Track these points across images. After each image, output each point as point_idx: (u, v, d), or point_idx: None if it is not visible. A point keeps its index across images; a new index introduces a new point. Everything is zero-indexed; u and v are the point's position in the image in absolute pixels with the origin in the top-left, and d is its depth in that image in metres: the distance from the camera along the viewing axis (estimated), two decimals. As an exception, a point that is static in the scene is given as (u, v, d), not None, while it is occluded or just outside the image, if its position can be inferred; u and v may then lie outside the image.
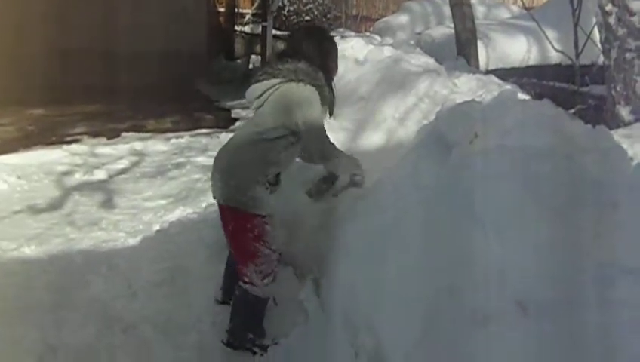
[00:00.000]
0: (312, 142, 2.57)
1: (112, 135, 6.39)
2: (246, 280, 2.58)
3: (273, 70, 2.60)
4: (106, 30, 9.11)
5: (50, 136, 6.25)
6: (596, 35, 4.15)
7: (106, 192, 4.61)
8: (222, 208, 2.67)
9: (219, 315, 2.80)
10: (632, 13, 3.51)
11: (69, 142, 5.97)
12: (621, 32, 3.57)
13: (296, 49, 2.65)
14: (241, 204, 2.53)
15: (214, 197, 2.71)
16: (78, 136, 6.30)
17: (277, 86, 2.57)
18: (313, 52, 2.64)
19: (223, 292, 2.89)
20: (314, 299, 2.46)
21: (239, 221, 2.57)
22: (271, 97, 2.60)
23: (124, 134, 6.48)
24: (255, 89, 2.66)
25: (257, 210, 2.52)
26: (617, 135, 2.89)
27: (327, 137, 2.62)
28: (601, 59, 4.15)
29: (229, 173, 2.58)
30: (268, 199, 2.54)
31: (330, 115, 2.73)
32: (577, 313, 1.54)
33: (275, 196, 2.60)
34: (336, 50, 2.76)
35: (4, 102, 7.32)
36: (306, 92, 2.54)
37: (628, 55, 3.57)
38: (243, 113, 8.25)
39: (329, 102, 2.66)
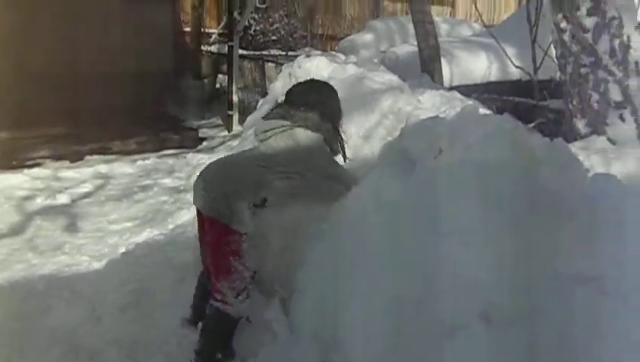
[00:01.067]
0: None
1: (76, 158, 6.29)
2: (218, 297, 2.56)
3: (285, 113, 2.81)
4: (71, 52, 8.98)
5: (11, 160, 6.12)
6: (553, 51, 4.26)
7: (69, 216, 4.53)
8: (202, 217, 2.70)
9: (185, 337, 2.75)
10: (585, 30, 3.61)
11: (31, 166, 5.86)
12: (575, 48, 3.66)
13: (307, 100, 2.87)
14: (223, 217, 2.55)
15: (195, 205, 2.74)
16: (40, 160, 6.20)
17: (286, 128, 2.76)
18: (322, 105, 2.86)
19: (193, 311, 2.86)
20: (281, 319, 2.44)
21: (217, 234, 2.59)
22: (279, 136, 2.76)
23: (87, 157, 6.39)
24: (266, 124, 2.84)
25: (238, 226, 2.54)
26: (574, 147, 2.95)
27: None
28: (557, 75, 4.25)
29: (218, 184, 2.63)
30: (250, 218, 2.57)
31: (344, 159, 2.98)
32: (537, 321, 1.56)
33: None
34: (339, 102, 2.99)
35: (-37, 126, 7.16)
36: (315, 139, 2.77)
37: (582, 70, 3.66)
38: (210, 133, 8.23)
39: (341, 148, 2.91)
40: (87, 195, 5.13)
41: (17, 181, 5.35)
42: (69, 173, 5.76)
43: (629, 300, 1.53)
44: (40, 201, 4.86)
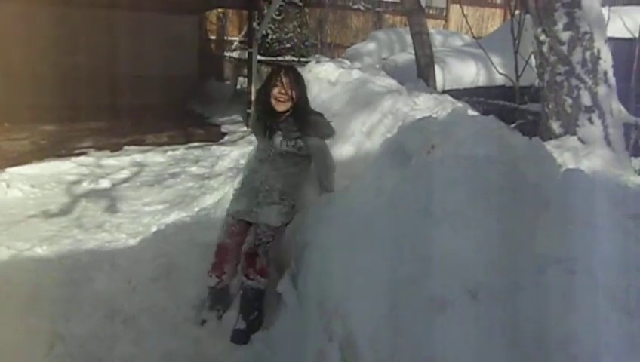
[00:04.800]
0: None
1: (116, 148, 6.32)
2: None
3: None
4: (110, 56, 9.04)
5: (61, 149, 6.18)
6: (533, 60, 4.23)
7: (110, 199, 4.55)
8: None
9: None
10: (561, 43, 3.58)
11: (77, 155, 5.89)
12: (552, 58, 3.64)
13: None
14: None
15: None
16: (85, 150, 6.23)
17: None
18: None
19: None
20: (292, 291, 2.45)
21: None
22: None
23: (126, 147, 6.41)
24: None
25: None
26: (550, 146, 2.94)
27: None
28: (536, 82, 4.22)
29: None
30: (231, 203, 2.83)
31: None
32: (518, 297, 1.55)
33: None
34: (268, 82, 2.78)
35: (20, 120, 7.23)
36: None
37: (558, 78, 3.63)
38: (231, 128, 8.23)
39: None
40: (125, 180, 5.15)
41: (66, 167, 5.37)
42: (110, 161, 5.78)
43: (594, 278, 1.53)
44: (85, 185, 4.88)
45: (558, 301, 1.49)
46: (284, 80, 2.69)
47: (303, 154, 2.75)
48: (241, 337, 2.54)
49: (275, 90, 2.69)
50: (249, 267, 2.58)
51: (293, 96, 2.69)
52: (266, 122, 2.75)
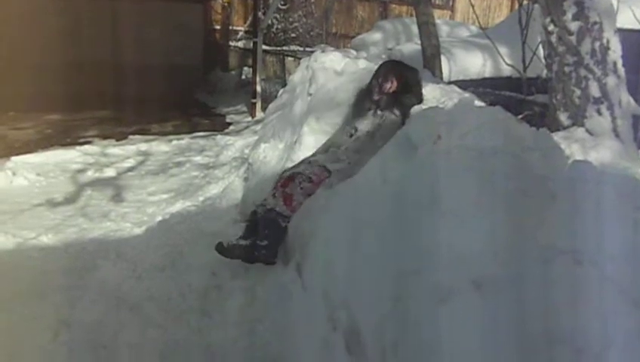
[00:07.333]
0: None
1: (121, 137, 6.34)
2: None
3: None
4: (115, 45, 9.04)
5: (66, 138, 6.20)
6: (540, 51, 4.18)
7: (115, 188, 4.57)
8: None
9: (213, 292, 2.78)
10: (570, 33, 3.54)
11: (82, 144, 5.92)
12: (561, 49, 3.60)
13: None
14: None
15: None
16: (90, 138, 6.26)
17: None
18: None
19: None
20: (296, 280, 2.45)
21: None
22: None
23: (131, 137, 6.43)
24: None
25: None
26: (557, 137, 2.92)
27: None
28: (544, 72, 4.18)
29: None
30: None
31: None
32: (523, 289, 1.55)
33: None
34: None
35: (26, 108, 7.26)
36: None
37: (566, 69, 3.60)
38: (236, 118, 8.23)
39: None
40: (130, 169, 5.16)
41: (71, 156, 5.39)
42: (115, 150, 5.79)
43: (601, 269, 1.52)
44: (90, 174, 4.90)
45: (563, 293, 1.49)
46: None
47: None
48: (231, 248, 2.75)
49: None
50: (280, 186, 2.80)
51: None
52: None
